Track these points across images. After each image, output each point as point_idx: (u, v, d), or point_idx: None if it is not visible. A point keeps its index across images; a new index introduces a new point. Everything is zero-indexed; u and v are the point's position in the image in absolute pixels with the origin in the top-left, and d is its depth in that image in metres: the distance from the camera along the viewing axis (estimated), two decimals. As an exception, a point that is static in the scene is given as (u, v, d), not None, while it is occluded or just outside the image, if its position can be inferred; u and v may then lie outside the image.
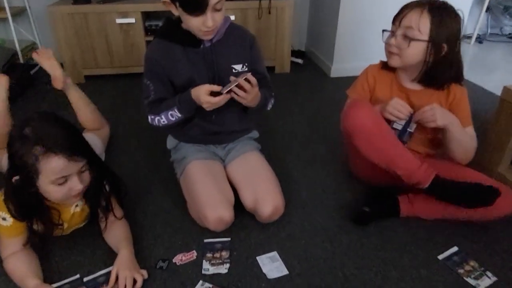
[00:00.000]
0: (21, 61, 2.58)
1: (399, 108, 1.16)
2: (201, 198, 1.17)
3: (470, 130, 1.25)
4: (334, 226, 1.26)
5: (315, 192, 1.42)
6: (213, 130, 1.31)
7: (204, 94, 1.10)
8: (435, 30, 1.10)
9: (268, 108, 1.35)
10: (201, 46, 1.19)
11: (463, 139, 1.20)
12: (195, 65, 1.20)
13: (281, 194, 1.24)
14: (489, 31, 3.70)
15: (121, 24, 2.39)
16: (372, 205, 1.25)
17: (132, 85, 2.44)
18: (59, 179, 0.93)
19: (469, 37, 3.58)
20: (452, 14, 1.12)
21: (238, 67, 1.25)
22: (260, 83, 1.27)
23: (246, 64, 1.27)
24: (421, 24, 1.11)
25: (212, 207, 1.14)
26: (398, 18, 1.17)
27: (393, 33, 1.18)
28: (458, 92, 1.23)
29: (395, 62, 1.21)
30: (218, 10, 1.10)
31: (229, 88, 1.09)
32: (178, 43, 1.19)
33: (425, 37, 1.12)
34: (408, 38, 1.13)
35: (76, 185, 0.96)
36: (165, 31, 1.22)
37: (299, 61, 2.91)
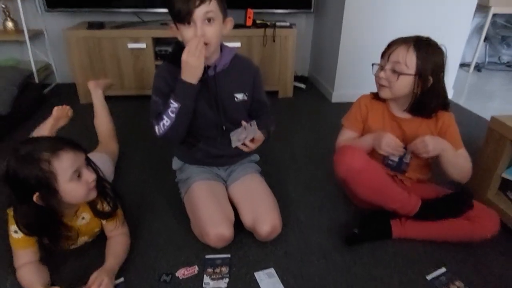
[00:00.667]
0: (36, 81, 2.71)
1: (392, 146, 1.24)
2: (203, 216, 1.24)
3: (463, 152, 1.31)
4: (328, 246, 1.31)
5: (311, 213, 1.49)
6: (217, 153, 1.39)
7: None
8: (421, 64, 1.20)
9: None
10: (205, 75, 1.24)
11: (457, 161, 1.27)
12: (199, 92, 1.25)
13: (279, 214, 1.30)
14: (487, 59, 3.82)
15: (132, 49, 2.52)
16: (363, 228, 1.31)
17: (140, 106, 2.55)
18: (75, 172, 1.01)
19: (468, 65, 3.68)
20: (436, 49, 1.23)
21: (239, 96, 1.33)
22: (260, 111, 1.38)
23: (247, 93, 1.34)
24: (408, 60, 1.21)
25: (214, 225, 1.21)
26: (386, 54, 1.27)
27: (382, 67, 1.28)
28: (446, 118, 1.31)
29: (385, 94, 1.30)
30: (209, 21, 1.14)
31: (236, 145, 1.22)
32: None
33: (412, 71, 1.22)
34: (397, 72, 1.23)
35: (90, 175, 1.05)
36: (173, 56, 1.26)
37: (302, 86, 3.02)
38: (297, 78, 3.01)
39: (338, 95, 2.72)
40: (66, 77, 2.94)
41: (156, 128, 1.27)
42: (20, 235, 1.06)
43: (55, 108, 1.57)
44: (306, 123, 2.38)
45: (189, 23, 1.14)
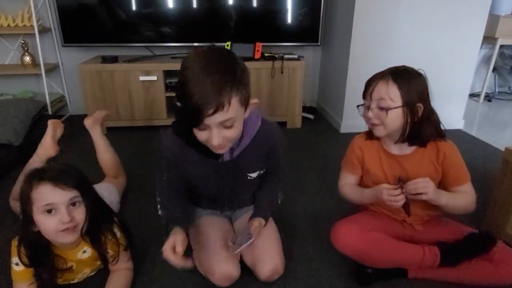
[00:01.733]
0: (50, 112, 2.77)
1: (392, 199, 1.15)
2: (208, 252, 1.18)
3: (467, 188, 1.23)
4: (340, 284, 1.26)
5: (321, 248, 1.44)
6: (223, 207, 1.36)
7: (168, 249, 1.02)
8: (405, 94, 1.14)
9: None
10: (220, 159, 1.13)
11: (459, 205, 1.20)
12: (209, 175, 1.17)
13: (282, 255, 1.23)
14: (497, 89, 3.80)
15: (143, 81, 2.58)
16: (376, 268, 1.24)
17: (150, 137, 2.57)
18: (46, 206, 0.97)
19: (478, 95, 3.67)
20: (414, 76, 1.17)
21: (254, 175, 1.22)
22: (270, 176, 1.30)
23: (264, 169, 1.24)
24: (391, 93, 1.15)
25: (219, 262, 1.14)
26: (368, 93, 1.21)
27: (368, 107, 1.21)
28: (447, 149, 1.23)
29: (380, 132, 1.22)
30: (229, 127, 0.94)
31: (236, 251, 1.15)
32: (194, 148, 1.08)
33: (399, 103, 1.15)
34: (384, 109, 1.16)
35: (64, 216, 0.98)
36: (181, 130, 1.09)
37: (310, 116, 3.02)
38: (306, 109, 3.02)
39: (347, 126, 2.71)
40: (79, 108, 3.01)
41: (157, 199, 1.22)
42: (20, 267, 1.05)
43: (50, 121, 1.65)
44: (315, 154, 2.36)
45: (203, 129, 0.95)
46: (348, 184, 1.36)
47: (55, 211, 0.99)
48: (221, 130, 0.93)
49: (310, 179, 2.01)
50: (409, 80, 1.16)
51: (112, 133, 2.64)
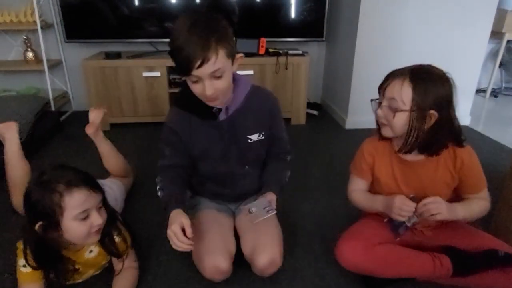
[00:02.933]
0: (53, 108, 2.76)
1: (404, 209, 1.10)
2: (202, 244, 1.16)
3: (483, 194, 1.18)
4: (346, 284, 1.25)
5: (328, 245, 1.42)
6: (226, 193, 1.34)
7: (176, 226, 1.03)
8: (418, 98, 1.05)
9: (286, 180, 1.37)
10: (216, 120, 1.18)
11: (475, 214, 1.16)
12: (210, 137, 1.20)
13: (281, 248, 1.21)
14: (503, 85, 3.75)
15: (147, 77, 2.56)
16: None
17: (153, 133, 2.56)
18: (82, 213, 0.98)
19: (484, 91, 3.63)
20: (437, 79, 1.06)
21: (254, 137, 1.24)
22: (275, 147, 1.31)
23: (263, 132, 1.26)
24: (403, 95, 1.05)
25: (210, 254, 1.14)
26: (382, 88, 1.13)
27: (380, 104, 1.14)
28: (466, 156, 1.15)
29: (387, 133, 1.16)
30: (218, 78, 1.04)
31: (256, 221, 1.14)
32: (195, 114, 1.19)
33: (408, 106, 1.06)
34: (393, 109, 1.09)
35: (97, 219, 1.01)
36: (182, 101, 1.20)
37: (315, 112, 3.00)
38: (310, 105, 2.99)
39: (352, 122, 2.68)
40: (82, 104, 3.00)
41: (157, 178, 1.23)
42: (28, 269, 1.04)
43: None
44: (320, 151, 2.34)
45: (196, 81, 1.05)
46: (358, 190, 1.30)
47: (88, 216, 1.01)
48: (212, 81, 1.04)
49: (316, 177, 1.99)
50: (427, 84, 1.05)
51: (116, 130, 2.62)
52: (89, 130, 1.63)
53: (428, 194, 1.12)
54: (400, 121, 1.09)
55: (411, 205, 1.10)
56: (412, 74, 1.06)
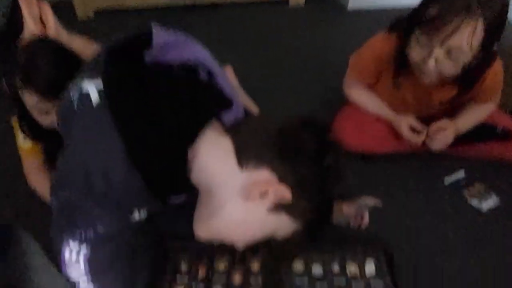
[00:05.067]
0: None
1: (411, 139, 1.07)
2: None
3: (491, 105, 1.13)
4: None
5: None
6: None
7: None
8: (489, 38, 0.85)
9: None
10: None
11: (477, 122, 1.14)
12: None
13: None
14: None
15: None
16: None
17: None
18: (37, 109, 0.93)
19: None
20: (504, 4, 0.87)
21: None
22: None
23: None
24: (474, 40, 0.84)
25: None
26: (437, 35, 0.85)
27: (429, 53, 0.90)
28: (491, 75, 1.01)
29: (430, 79, 0.98)
30: None
31: None
32: None
33: (475, 50, 0.87)
34: (454, 57, 0.88)
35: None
36: None
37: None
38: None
39: (356, 2, 2.45)
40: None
41: None
42: (28, 143, 1.06)
43: None
44: (319, 36, 2.18)
45: None
46: (359, 87, 1.19)
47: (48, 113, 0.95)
48: None
49: (313, 64, 1.88)
50: (498, 18, 0.83)
51: (103, 18, 2.33)
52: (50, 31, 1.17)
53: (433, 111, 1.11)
54: (459, 66, 0.90)
55: (418, 141, 1.08)
56: (483, 9, 0.80)
